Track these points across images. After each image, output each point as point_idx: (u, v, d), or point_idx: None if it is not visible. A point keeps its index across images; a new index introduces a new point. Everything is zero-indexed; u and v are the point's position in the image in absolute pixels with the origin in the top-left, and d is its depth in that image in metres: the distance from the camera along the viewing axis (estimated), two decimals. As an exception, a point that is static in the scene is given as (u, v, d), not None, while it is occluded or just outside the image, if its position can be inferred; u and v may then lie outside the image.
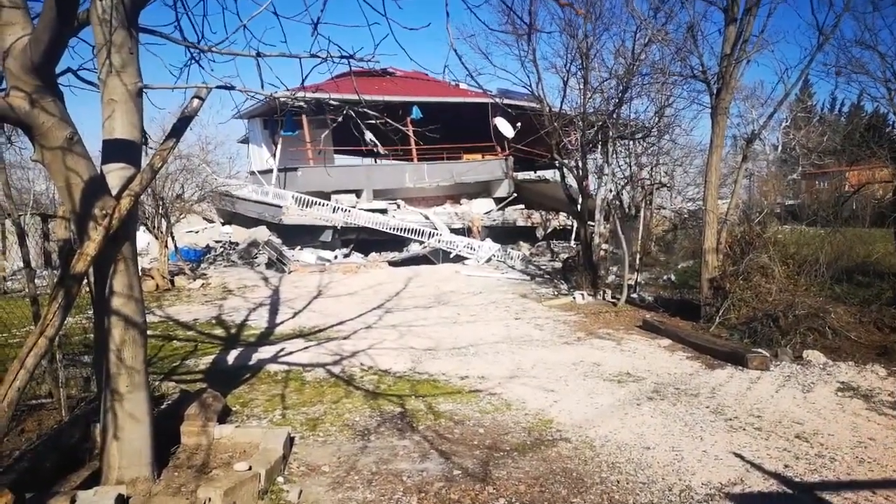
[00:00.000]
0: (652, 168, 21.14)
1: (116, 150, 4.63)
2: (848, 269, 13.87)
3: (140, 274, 5.20)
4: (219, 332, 11.70)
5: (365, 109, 6.11)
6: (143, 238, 21.50)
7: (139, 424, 4.72)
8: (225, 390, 7.37)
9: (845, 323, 9.93)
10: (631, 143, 18.31)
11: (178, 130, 4.81)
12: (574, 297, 14.79)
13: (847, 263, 14.12)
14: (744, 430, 6.42)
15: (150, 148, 5.15)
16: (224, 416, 6.27)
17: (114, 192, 4.44)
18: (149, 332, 6.16)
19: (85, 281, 4.51)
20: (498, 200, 29.49)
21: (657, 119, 17.01)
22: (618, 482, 5.24)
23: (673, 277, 17.78)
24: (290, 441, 5.83)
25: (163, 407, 6.34)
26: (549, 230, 27.94)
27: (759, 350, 9.16)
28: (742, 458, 5.70)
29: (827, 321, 9.77)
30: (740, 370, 8.64)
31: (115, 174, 4.59)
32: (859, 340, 9.59)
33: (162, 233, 18.29)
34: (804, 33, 61.93)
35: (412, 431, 6.39)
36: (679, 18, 14.06)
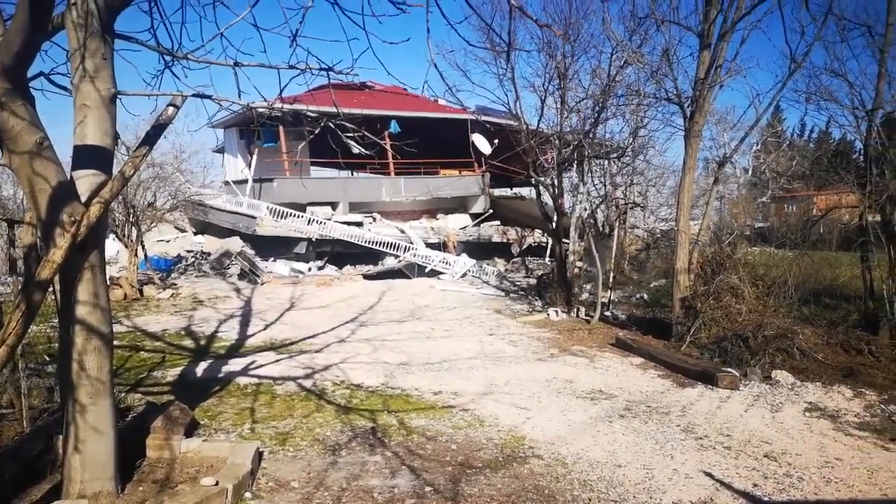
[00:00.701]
0: (626, 188, 21.39)
1: (88, 156, 4.54)
2: (815, 291, 14.15)
3: (108, 283, 5.10)
4: (188, 343, 11.50)
5: (343, 122, 6.10)
6: (112, 246, 21.10)
7: (102, 437, 4.60)
8: (193, 403, 7.22)
9: (813, 344, 10.09)
10: (606, 162, 18.51)
11: (151, 138, 4.75)
12: (548, 314, 14.85)
13: (815, 286, 14.40)
14: (714, 448, 6.47)
15: (123, 154, 5.07)
16: (191, 430, 6.13)
17: (83, 199, 4.35)
18: (115, 343, 6.04)
19: (50, 289, 4.40)
20: (474, 216, 29.59)
21: (632, 139, 17.23)
22: (589, 500, 5.23)
23: (646, 296, 17.96)
24: (258, 456, 5.73)
25: (128, 419, 6.20)
26: (525, 247, 28.08)
27: (729, 369, 9.26)
28: (712, 476, 5.74)
29: (795, 342, 9.92)
30: (710, 389, 8.72)
31: (86, 181, 4.50)
32: (826, 361, 9.75)
33: (132, 241, 17.98)
34: (776, 60, 63.47)
35: (384, 447, 6.32)
36: (654, 41, 14.30)
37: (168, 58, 5.10)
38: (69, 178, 4.43)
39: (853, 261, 13.61)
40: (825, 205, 20.44)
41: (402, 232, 25.74)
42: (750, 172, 29.56)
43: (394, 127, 26.57)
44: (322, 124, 5.84)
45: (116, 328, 11.10)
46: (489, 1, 17.02)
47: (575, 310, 15.08)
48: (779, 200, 29.39)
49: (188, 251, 25.32)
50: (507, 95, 20.36)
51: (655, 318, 14.03)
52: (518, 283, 21.61)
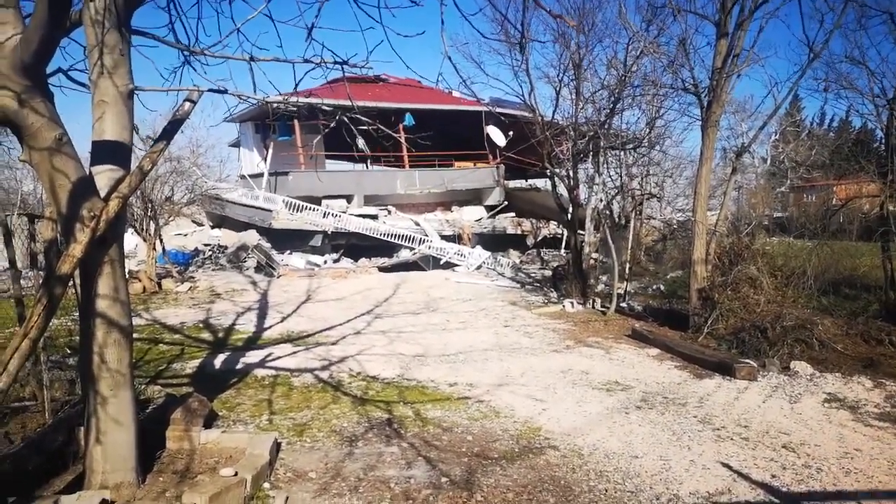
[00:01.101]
0: (642, 179, 21.26)
1: (106, 151, 4.60)
2: (835, 281, 13.98)
3: (127, 276, 5.16)
4: (206, 335, 11.62)
5: (357, 115, 6.11)
6: (130, 240, 21.36)
7: (123, 428, 4.67)
8: (211, 395, 7.30)
9: (832, 335, 9.99)
10: (622, 153, 18.41)
11: (168, 133, 4.79)
12: (563, 306, 14.81)
13: (834, 276, 14.23)
14: (731, 439, 6.44)
15: (140, 150, 5.12)
16: (210, 421, 6.21)
17: (102, 194, 4.40)
18: (135, 335, 6.12)
19: (71, 283, 4.47)
20: (489, 208, 29.53)
21: (648, 130, 17.11)
22: (606, 491, 5.23)
23: (662, 287, 17.85)
24: (276, 446, 5.79)
25: (148, 411, 6.29)
26: (540, 238, 27.98)
27: (747, 360, 9.20)
28: (729, 467, 5.71)
29: (814, 333, 9.83)
30: (728, 380, 8.67)
31: (104, 176, 4.55)
32: (846, 352, 9.66)
33: (150, 235, 18.17)
34: (794, 49, 62.76)
35: (400, 438, 6.36)
36: (671, 31, 14.20)
37: (185, 53, 5.14)
38: (88, 173, 4.48)
39: (873, 251, 13.45)
40: (845, 194, 20.19)
41: (417, 224, 25.77)
42: (768, 162, 29.26)
43: (408, 120, 26.54)
44: (337, 118, 5.86)
45: (136, 321, 11.26)
46: (503, -9, 16.90)
47: (590, 301, 15.03)
48: (798, 190, 29.03)
49: (205, 245, 25.56)
50: (521, 87, 20.35)
51: (672, 309, 13.95)
52: (533, 275, 21.56)
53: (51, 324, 4.39)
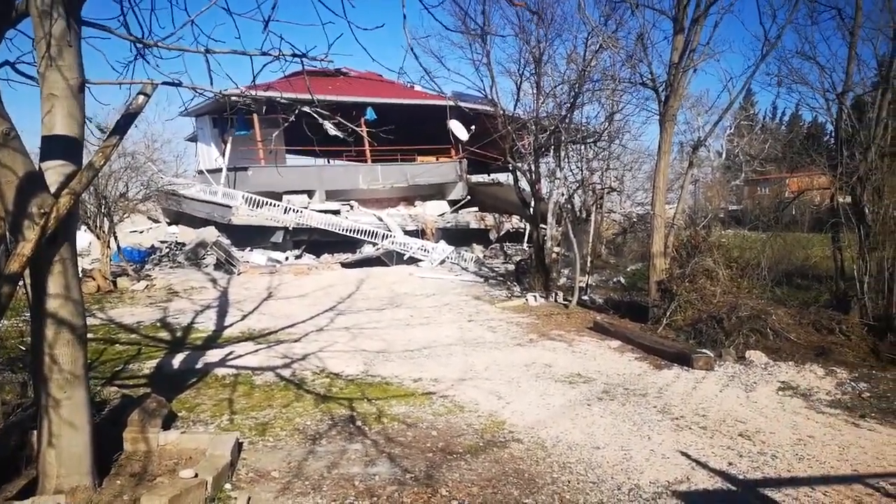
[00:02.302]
0: (602, 172, 21.52)
1: (56, 146, 4.44)
2: (788, 272, 14.40)
3: (80, 275, 5.01)
4: (164, 335, 11.37)
5: (318, 109, 6.03)
6: (84, 238, 20.75)
7: (78, 431, 4.54)
8: (170, 395, 7.15)
9: (785, 324, 10.27)
10: (582, 147, 18.60)
11: (121, 128, 4.66)
12: (527, 300, 14.93)
13: (787, 267, 14.66)
14: (689, 429, 6.58)
15: (94, 145, 4.97)
16: (169, 422, 6.08)
17: (53, 191, 4.26)
18: (90, 336, 5.96)
19: (21, 282, 4.32)
20: (452, 203, 29.55)
21: (607, 124, 17.32)
22: (569, 482, 5.29)
23: (623, 280, 18.14)
24: (238, 446, 5.70)
25: (104, 413, 6.12)
26: (503, 233, 28.14)
27: (704, 351, 9.41)
28: (688, 456, 5.84)
29: (768, 322, 10.10)
30: (686, 370, 8.85)
31: (55, 171, 4.40)
32: (798, 341, 9.94)
33: (104, 233, 17.68)
34: (748, 44, 64.21)
35: (363, 435, 6.33)
36: (629, 26, 14.37)
37: (138, 45, 4.99)
38: (38, 169, 4.33)
39: (825, 242, 13.87)
40: (797, 187, 20.78)
41: (380, 219, 25.64)
42: (724, 156, 29.93)
43: (370, 114, 26.36)
44: (296, 111, 5.78)
45: (90, 321, 10.96)
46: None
47: (553, 295, 15.18)
48: (752, 183, 29.81)
49: (162, 242, 24.98)
50: (483, 81, 20.31)
51: (632, 301, 14.18)
52: (496, 269, 21.68)
53: (0, 324, 4.24)
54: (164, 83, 4.74)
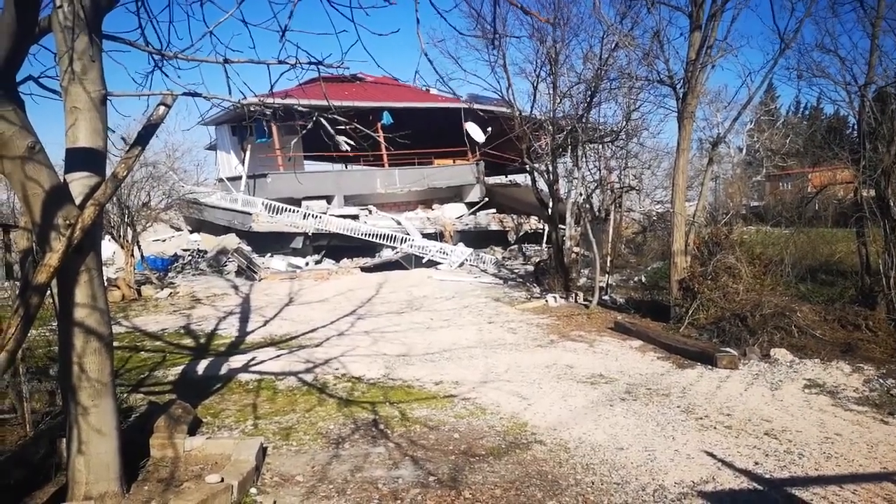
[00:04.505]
0: (621, 171, 21.38)
1: (80, 158, 4.53)
2: (812, 268, 14.19)
3: (105, 284, 5.10)
4: (188, 342, 11.51)
5: (335, 115, 6.08)
6: (108, 247, 21.07)
7: (106, 438, 4.61)
8: (195, 401, 7.25)
9: (810, 321, 10.13)
10: (600, 146, 18.50)
11: (143, 138, 4.73)
12: (546, 301, 14.88)
13: (811, 263, 14.45)
14: (714, 428, 6.52)
15: (115, 156, 5.05)
16: (194, 428, 6.16)
17: (78, 202, 4.34)
18: (115, 344, 6.05)
19: (48, 292, 4.40)
20: (470, 205, 29.55)
21: (625, 123, 17.22)
22: (592, 483, 5.27)
23: (643, 279, 17.99)
24: (262, 451, 5.76)
25: (131, 420, 6.22)
26: (521, 234, 28.07)
27: (728, 349, 9.31)
28: (713, 456, 5.78)
29: (793, 320, 9.96)
30: (710, 369, 8.77)
31: (79, 183, 4.49)
32: (824, 338, 9.80)
33: (128, 242, 17.94)
34: (767, 38, 63.41)
35: (386, 438, 6.36)
36: (645, 24, 14.24)
37: (157, 57, 5.08)
38: (63, 181, 4.42)
39: (849, 236, 13.66)
40: (820, 181, 20.46)
41: (398, 223, 25.73)
42: (744, 151, 29.62)
43: (386, 118, 26.48)
44: (315, 119, 5.83)
45: (116, 329, 11.11)
46: (478, -13, 16.94)
47: (573, 295, 15.11)
48: (773, 179, 29.40)
49: (184, 250, 25.31)
50: (499, 83, 20.40)
51: (653, 300, 14.07)
52: (516, 271, 21.63)
53: (28, 334, 4.32)
54: (184, 94, 4.81)
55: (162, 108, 4.60)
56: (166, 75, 5.20)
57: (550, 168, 16.34)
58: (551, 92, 15.60)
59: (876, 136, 11.08)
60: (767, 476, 5.36)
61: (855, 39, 40.64)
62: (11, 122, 3.91)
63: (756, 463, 5.63)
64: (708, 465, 5.58)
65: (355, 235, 23.90)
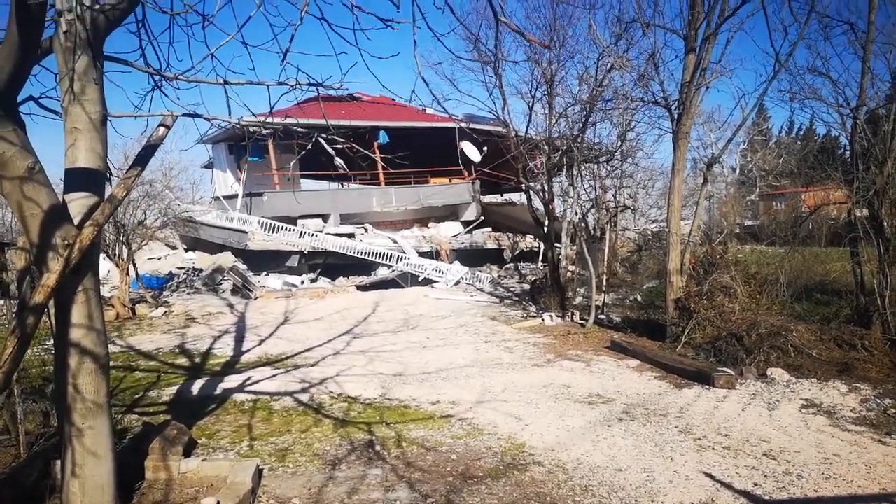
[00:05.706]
0: (616, 191, 21.52)
1: (79, 178, 4.53)
2: (807, 287, 14.25)
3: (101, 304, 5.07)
4: (182, 361, 11.44)
5: (333, 136, 6.11)
6: (103, 266, 20.98)
7: (101, 460, 4.56)
8: (190, 422, 7.18)
9: (807, 340, 10.15)
10: (595, 166, 18.63)
11: (143, 159, 4.74)
12: (543, 319, 14.87)
13: (806, 282, 14.51)
14: (713, 449, 6.50)
15: (116, 176, 5.06)
16: (189, 449, 6.10)
17: (76, 222, 4.34)
18: (110, 364, 6.00)
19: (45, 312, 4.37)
20: (465, 223, 29.63)
21: (620, 143, 17.35)
22: (591, 506, 5.23)
23: (639, 298, 18.02)
24: (258, 473, 5.70)
25: (126, 441, 6.16)
26: (517, 252, 28.13)
27: (725, 369, 9.31)
28: (712, 477, 5.76)
29: (789, 339, 9.98)
30: (707, 389, 8.75)
31: (78, 203, 4.48)
32: (820, 357, 9.81)
33: (123, 260, 17.90)
34: (760, 61, 64.17)
35: (383, 460, 6.31)
36: (640, 46, 14.45)
37: (157, 78, 5.10)
38: (61, 201, 4.42)
39: (843, 256, 13.73)
40: (813, 201, 20.59)
41: (394, 242, 25.74)
42: (738, 171, 29.81)
43: (382, 137, 26.61)
44: (313, 139, 5.86)
45: (110, 348, 11.01)
46: (475, 11, 17.16)
47: (569, 314, 15.11)
48: (767, 198, 29.62)
49: (180, 268, 25.21)
50: (494, 103, 20.51)
51: (650, 319, 14.08)
52: (512, 289, 21.63)
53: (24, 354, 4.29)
54: (184, 115, 4.83)
55: (162, 128, 4.62)
56: (165, 95, 5.25)
57: (546, 187, 16.43)
58: (547, 112, 15.74)
59: (868, 157, 11.19)
60: (767, 497, 5.34)
61: (847, 62, 41.22)
62: (12, 142, 3.92)
63: (755, 484, 5.60)
64: (707, 487, 5.55)
65: (351, 254, 23.89)
